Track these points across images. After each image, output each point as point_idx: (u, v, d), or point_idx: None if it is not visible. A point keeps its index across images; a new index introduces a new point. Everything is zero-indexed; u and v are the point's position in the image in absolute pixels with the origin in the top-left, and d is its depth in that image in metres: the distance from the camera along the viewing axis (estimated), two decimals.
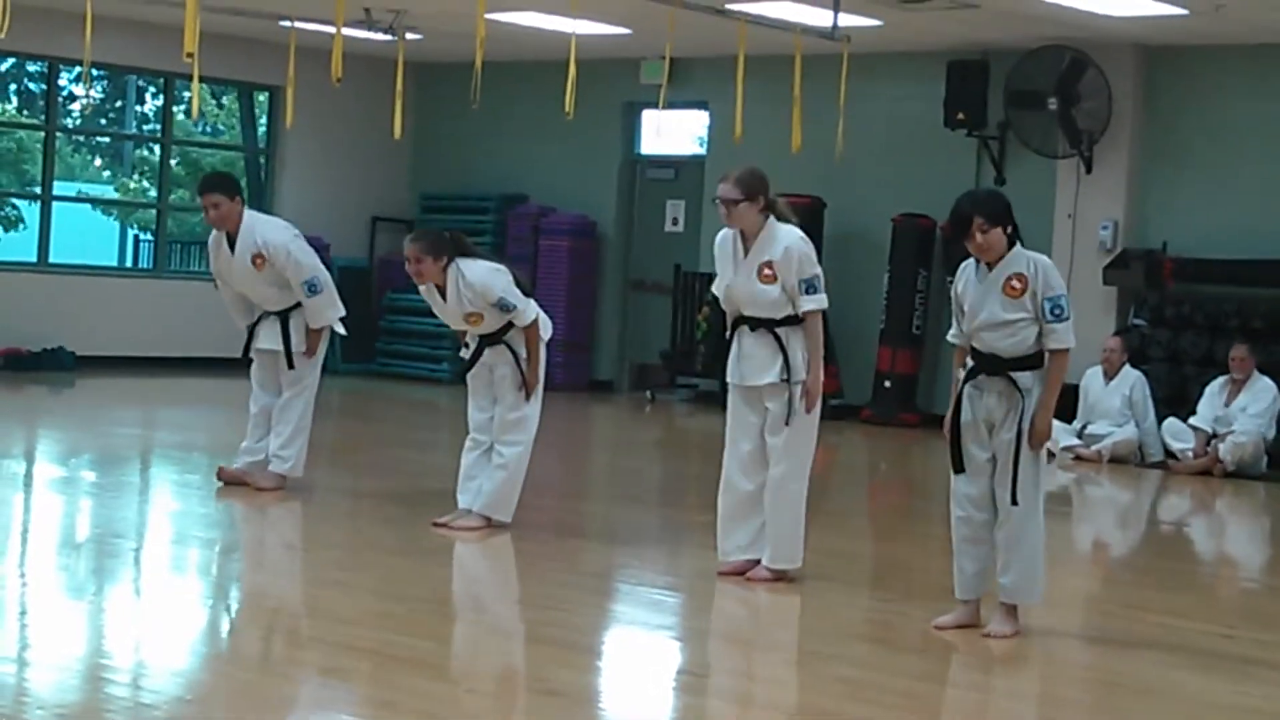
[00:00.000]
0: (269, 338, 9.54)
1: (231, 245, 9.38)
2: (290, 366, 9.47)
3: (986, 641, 6.78)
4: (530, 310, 8.69)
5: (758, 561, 7.80)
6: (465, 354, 8.88)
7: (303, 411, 9.58)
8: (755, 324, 7.70)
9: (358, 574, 7.83)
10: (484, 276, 8.60)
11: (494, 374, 8.78)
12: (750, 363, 7.71)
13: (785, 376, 7.63)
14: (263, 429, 9.61)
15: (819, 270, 7.68)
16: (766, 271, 7.62)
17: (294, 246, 9.42)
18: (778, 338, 7.65)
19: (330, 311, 9.57)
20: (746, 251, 7.68)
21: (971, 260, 6.90)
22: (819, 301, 7.65)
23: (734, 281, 7.71)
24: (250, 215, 9.46)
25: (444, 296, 8.67)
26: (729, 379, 7.82)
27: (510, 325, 8.70)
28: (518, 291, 8.67)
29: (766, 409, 7.72)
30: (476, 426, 8.85)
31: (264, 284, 9.42)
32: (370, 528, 8.81)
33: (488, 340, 8.74)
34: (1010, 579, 6.85)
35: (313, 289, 9.42)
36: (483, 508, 8.73)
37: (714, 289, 7.94)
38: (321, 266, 9.54)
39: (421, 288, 8.79)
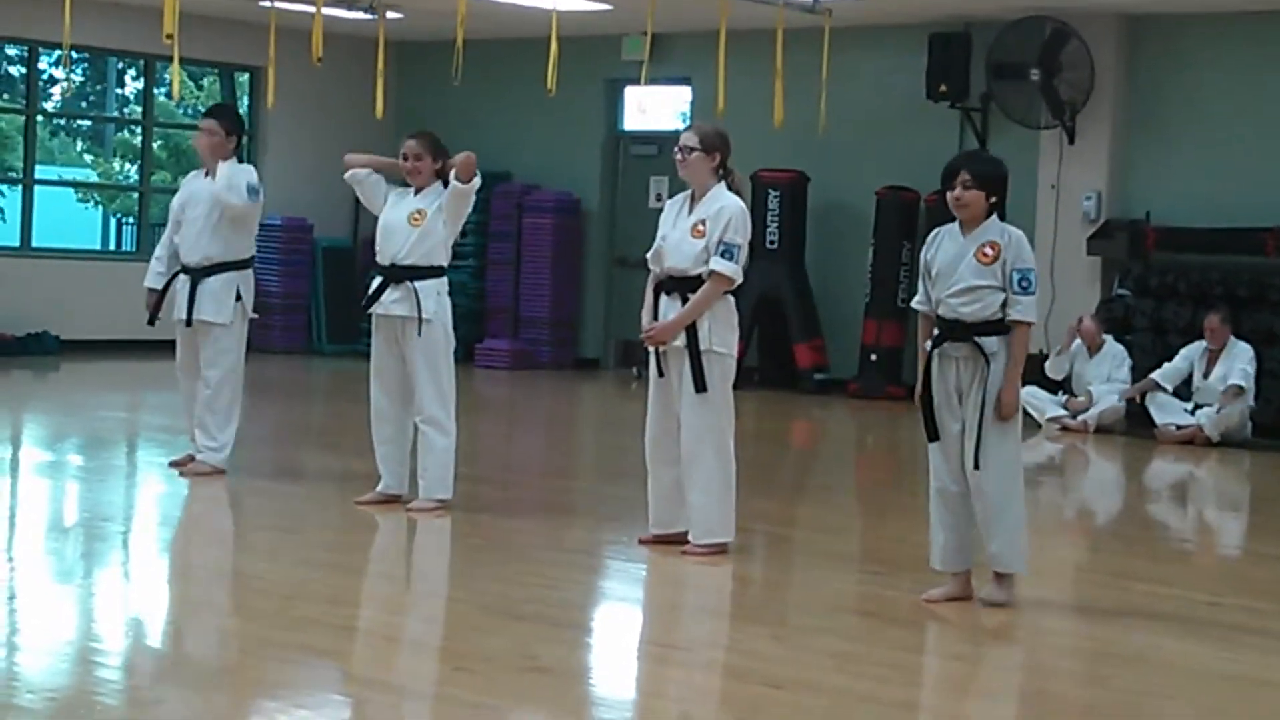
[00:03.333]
0: None
1: None
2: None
3: (976, 613, 6.79)
4: (447, 238, 8.69)
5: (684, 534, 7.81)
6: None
7: (233, 397, 9.53)
8: (672, 287, 7.69)
9: (347, 555, 7.84)
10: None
11: (402, 333, 8.58)
12: None
13: (690, 343, 7.60)
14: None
15: (742, 242, 7.63)
16: (699, 228, 7.64)
17: None
18: (687, 303, 7.63)
19: None
20: (691, 212, 7.74)
21: (945, 227, 6.95)
22: (728, 269, 7.58)
23: (669, 235, 7.73)
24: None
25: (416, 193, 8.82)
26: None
27: (428, 273, 8.60)
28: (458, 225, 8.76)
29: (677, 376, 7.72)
30: (378, 412, 8.72)
31: None
32: (358, 508, 8.78)
33: (396, 275, 8.62)
34: (996, 546, 6.87)
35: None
36: (426, 491, 8.66)
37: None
38: None
39: (393, 194, 9.01)
